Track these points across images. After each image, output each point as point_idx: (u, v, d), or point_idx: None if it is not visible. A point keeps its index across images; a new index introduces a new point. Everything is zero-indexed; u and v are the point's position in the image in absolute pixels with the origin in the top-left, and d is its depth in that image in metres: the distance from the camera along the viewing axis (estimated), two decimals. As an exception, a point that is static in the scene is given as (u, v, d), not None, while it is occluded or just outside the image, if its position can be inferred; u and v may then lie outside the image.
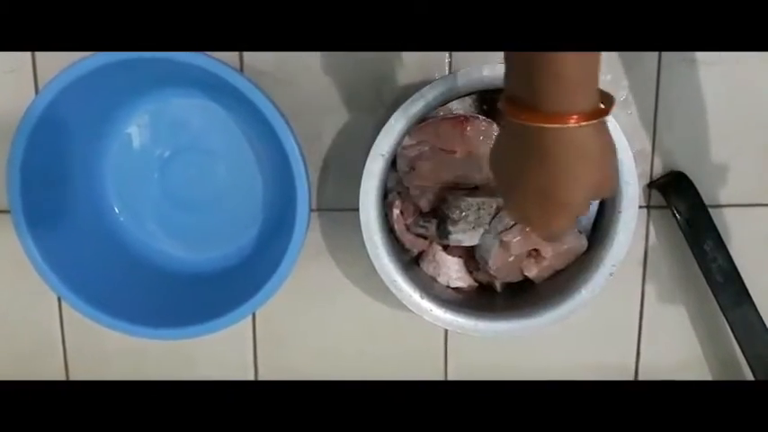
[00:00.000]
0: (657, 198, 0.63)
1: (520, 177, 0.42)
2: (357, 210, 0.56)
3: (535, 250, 0.59)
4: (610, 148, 0.42)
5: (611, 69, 0.62)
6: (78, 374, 0.68)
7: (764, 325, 0.62)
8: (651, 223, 0.64)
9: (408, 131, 0.56)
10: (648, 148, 0.63)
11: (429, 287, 0.59)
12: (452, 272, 0.61)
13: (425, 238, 0.61)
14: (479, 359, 0.67)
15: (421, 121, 0.57)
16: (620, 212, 0.56)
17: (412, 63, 0.61)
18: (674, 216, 0.61)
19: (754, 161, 0.63)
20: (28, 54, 0.62)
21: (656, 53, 0.61)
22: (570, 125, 0.39)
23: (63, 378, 0.68)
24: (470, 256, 0.61)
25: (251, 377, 0.68)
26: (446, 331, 0.66)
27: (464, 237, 0.58)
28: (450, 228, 0.58)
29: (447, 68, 0.62)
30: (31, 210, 0.58)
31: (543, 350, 0.66)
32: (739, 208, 0.64)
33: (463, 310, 0.58)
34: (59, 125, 0.58)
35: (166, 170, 0.63)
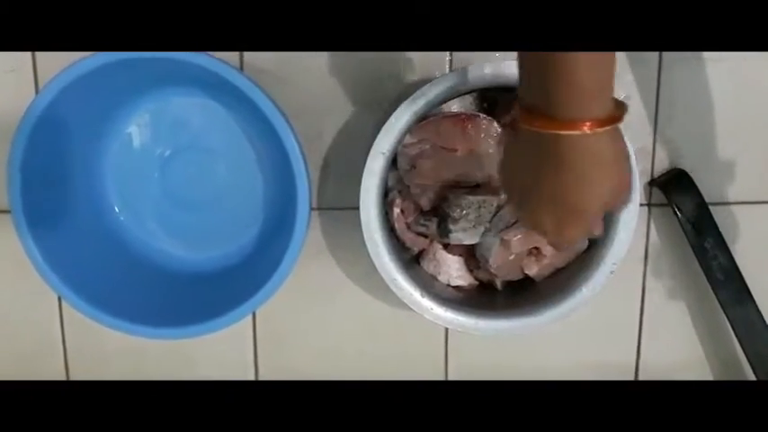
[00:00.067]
0: (658, 196, 0.63)
1: (534, 185, 0.42)
2: (358, 208, 0.56)
3: (536, 248, 0.59)
4: (624, 154, 0.42)
5: (612, 67, 0.62)
6: (79, 374, 0.68)
7: (765, 323, 0.62)
8: (652, 221, 0.64)
9: (409, 130, 0.56)
10: (649, 145, 0.63)
11: (429, 286, 0.59)
12: (453, 270, 0.61)
13: (426, 236, 0.61)
14: (480, 358, 0.67)
15: (422, 119, 0.57)
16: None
17: (412, 61, 0.61)
18: (675, 214, 0.61)
19: (756, 159, 0.63)
20: (28, 54, 0.62)
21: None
22: (585, 131, 0.39)
23: (63, 378, 0.68)
24: (471, 255, 0.61)
25: (251, 377, 0.68)
26: (447, 330, 0.66)
27: (465, 235, 0.58)
28: (451, 226, 0.58)
29: (448, 67, 0.62)
30: (31, 209, 0.58)
31: (544, 349, 0.66)
32: (740, 206, 0.64)
33: (464, 308, 0.58)
34: (60, 125, 0.58)
35: (167, 169, 0.63)
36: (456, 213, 0.57)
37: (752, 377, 0.63)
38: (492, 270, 0.59)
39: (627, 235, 0.57)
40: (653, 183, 0.63)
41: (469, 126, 0.57)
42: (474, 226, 0.58)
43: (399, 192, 0.60)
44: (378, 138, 0.55)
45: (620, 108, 0.41)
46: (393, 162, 0.58)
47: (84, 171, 0.62)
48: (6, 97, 0.61)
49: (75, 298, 0.58)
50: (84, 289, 0.59)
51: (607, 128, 0.39)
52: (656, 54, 0.62)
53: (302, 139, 0.56)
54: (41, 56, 0.62)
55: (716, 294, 0.62)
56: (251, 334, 0.67)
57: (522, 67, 0.41)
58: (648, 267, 0.65)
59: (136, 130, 0.63)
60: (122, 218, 0.64)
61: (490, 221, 0.58)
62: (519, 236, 0.57)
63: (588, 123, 0.39)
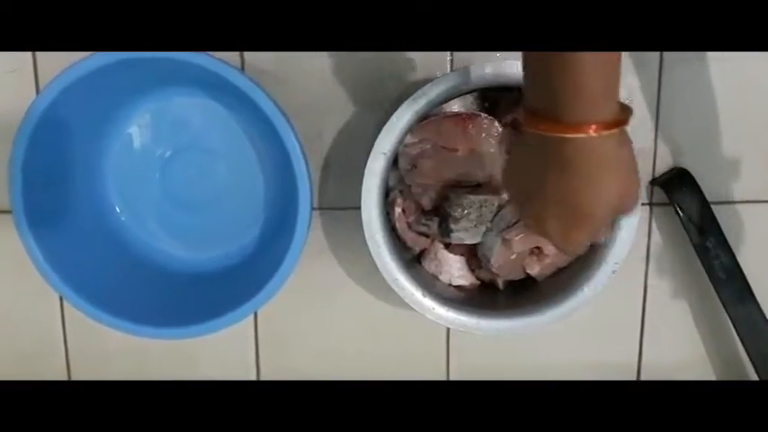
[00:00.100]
0: (660, 195, 0.63)
1: (539, 189, 0.42)
2: (359, 208, 0.56)
3: (537, 248, 0.59)
4: (631, 158, 0.42)
5: (613, 66, 0.61)
6: (80, 374, 0.68)
7: (767, 322, 0.62)
8: (654, 220, 0.64)
9: (410, 129, 0.56)
10: (651, 144, 0.63)
11: (431, 285, 0.59)
12: (454, 270, 0.61)
13: (427, 236, 0.61)
14: (482, 357, 0.66)
15: (423, 118, 0.57)
16: (622, 210, 0.56)
17: (413, 61, 0.61)
18: (677, 213, 0.61)
19: (758, 157, 0.63)
20: (29, 54, 0.62)
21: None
22: (591, 134, 0.39)
23: (65, 378, 0.68)
24: (472, 255, 0.61)
25: (253, 377, 0.68)
26: (448, 330, 0.66)
27: (466, 235, 0.58)
28: (452, 226, 0.57)
29: (449, 66, 0.62)
30: (32, 210, 0.58)
31: (545, 348, 0.66)
32: (742, 205, 0.64)
33: (465, 308, 0.58)
34: (60, 125, 0.58)
35: (168, 170, 0.63)
36: (457, 213, 0.57)
37: (754, 377, 0.63)
38: (493, 270, 0.59)
39: (629, 234, 0.57)
40: (654, 182, 0.63)
41: (470, 126, 0.57)
42: (475, 225, 0.58)
43: (400, 191, 0.60)
44: (379, 137, 0.55)
45: (625, 111, 0.40)
46: (394, 162, 0.58)
47: (86, 171, 0.62)
48: (7, 98, 0.61)
49: (77, 298, 0.59)
50: (85, 289, 0.59)
51: (613, 131, 0.39)
52: (656, 53, 0.61)
53: (303, 139, 0.56)
54: (42, 56, 0.62)
55: (718, 294, 0.61)
56: (252, 334, 0.67)
57: (526, 69, 0.41)
58: (650, 267, 0.65)
59: (137, 130, 0.63)
60: (123, 218, 0.64)
61: (491, 221, 0.58)
62: (520, 235, 0.57)
63: (594, 126, 0.39)
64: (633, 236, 0.56)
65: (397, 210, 0.59)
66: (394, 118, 0.55)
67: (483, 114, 0.57)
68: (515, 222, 0.57)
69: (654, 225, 0.64)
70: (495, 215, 0.58)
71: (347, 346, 0.67)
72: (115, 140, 0.63)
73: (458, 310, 0.58)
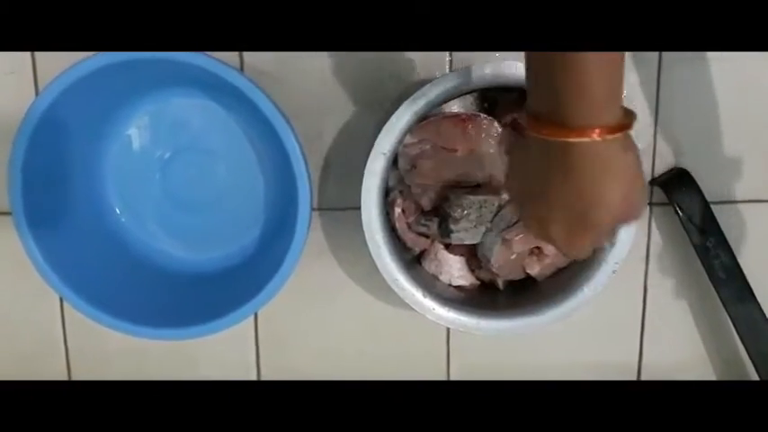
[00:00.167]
0: (660, 195, 0.63)
1: (542, 194, 0.42)
2: (359, 209, 0.56)
3: (537, 248, 0.59)
4: (636, 163, 0.41)
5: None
6: (80, 375, 0.68)
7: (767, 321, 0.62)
8: (653, 220, 0.64)
9: (410, 130, 0.56)
10: (650, 144, 0.63)
11: (431, 286, 0.59)
12: (454, 270, 0.61)
13: (427, 236, 0.61)
14: (482, 357, 0.66)
15: (422, 119, 0.57)
16: (622, 210, 0.56)
17: (413, 62, 0.61)
18: (677, 213, 0.61)
19: (757, 157, 0.63)
20: (28, 55, 0.62)
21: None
22: (594, 139, 0.38)
23: (65, 378, 0.68)
24: (472, 255, 0.61)
25: (253, 377, 0.68)
26: (448, 330, 0.66)
27: (466, 235, 0.58)
28: (452, 226, 0.57)
29: (448, 67, 0.62)
30: (32, 211, 0.58)
31: (546, 348, 0.66)
32: (742, 204, 0.64)
33: (465, 308, 0.58)
34: (60, 126, 0.58)
35: (167, 170, 0.63)
36: (457, 213, 0.57)
37: (754, 376, 0.63)
38: (493, 270, 0.59)
39: (628, 234, 0.56)
40: (654, 182, 0.63)
41: (470, 126, 0.57)
42: (475, 226, 0.58)
43: (400, 192, 0.60)
44: (378, 138, 0.55)
45: (629, 116, 0.40)
46: (394, 162, 0.58)
47: (85, 172, 0.62)
48: (7, 99, 0.61)
49: (77, 298, 0.59)
50: (85, 289, 0.59)
51: (617, 135, 0.39)
52: (655, 53, 0.61)
53: (303, 139, 0.56)
54: (41, 57, 0.62)
55: (718, 293, 0.61)
56: (253, 334, 0.67)
57: (530, 72, 0.41)
58: (650, 266, 0.65)
59: (136, 131, 0.63)
60: (123, 219, 0.64)
61: (491, 221, 0.58)
62: (520, 235, 0.57)
63: (598, 130, 0.38)
64: (633, 236, 0.56)
65: (397, 210, 0.59)
66: (394, 118, 0.55)
67: (482, 115, 0.57)
68: (515, 222, 0.57)
69: (654, 225, 0.64)
70: (495, 215, 0.58)
71: (347, 346, 0.67)
72: (115, 141, 0.63)
73: (458, 311, 0.58)
